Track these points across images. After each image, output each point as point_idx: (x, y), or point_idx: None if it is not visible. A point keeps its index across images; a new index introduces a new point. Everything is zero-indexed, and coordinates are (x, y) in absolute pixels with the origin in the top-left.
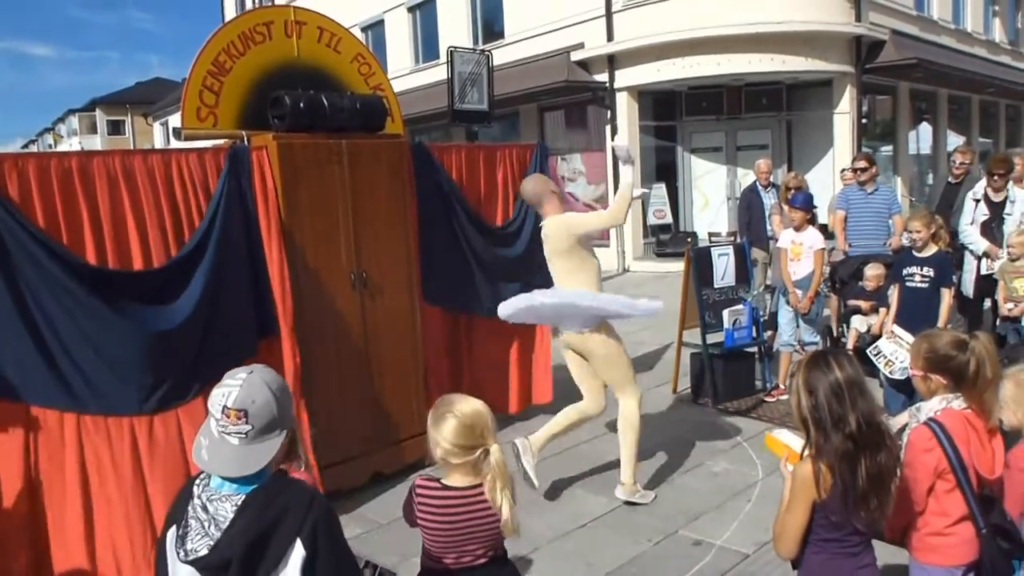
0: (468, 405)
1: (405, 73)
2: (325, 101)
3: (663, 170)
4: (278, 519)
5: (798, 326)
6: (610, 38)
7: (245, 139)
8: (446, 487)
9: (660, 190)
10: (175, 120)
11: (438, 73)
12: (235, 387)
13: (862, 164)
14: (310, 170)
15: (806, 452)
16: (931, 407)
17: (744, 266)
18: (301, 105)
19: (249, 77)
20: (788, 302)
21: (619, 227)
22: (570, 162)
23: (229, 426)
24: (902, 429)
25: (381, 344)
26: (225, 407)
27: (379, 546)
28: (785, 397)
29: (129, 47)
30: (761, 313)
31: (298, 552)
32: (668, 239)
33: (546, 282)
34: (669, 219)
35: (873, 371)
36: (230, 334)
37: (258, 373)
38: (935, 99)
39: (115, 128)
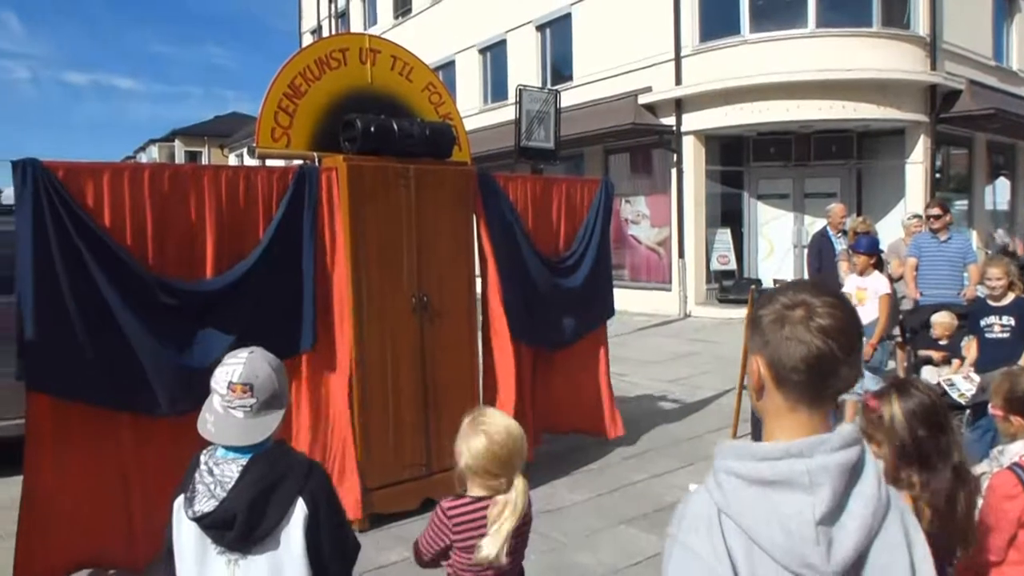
0: (504, 432)
1: (474, 113)
2: (395, 126)
3: (728, 216)
4: (281, 478)
5: (863, 375)
6: (678, 82)
7: (316, 160)
8: (476, 499)
9: (724, 235)
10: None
11: (506, 113)
12: (239, 364)
13: (936, 211)
14: (377, 192)
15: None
16: (1016, 450)
17: None
18: (372, 129)
19: (323, 101)
20: None
21: (682, 271)
22: (634, 204)
23: (235, 400)
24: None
25: (439, 369)
26: (231, 382)
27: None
28: None
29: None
30: None
31: (300, 510)
32: (731, 285)
33: (596, 316)
34: (733, 265)
35: None
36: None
37: (258, 352)
38: (1014, 152)
39: (192, 158)
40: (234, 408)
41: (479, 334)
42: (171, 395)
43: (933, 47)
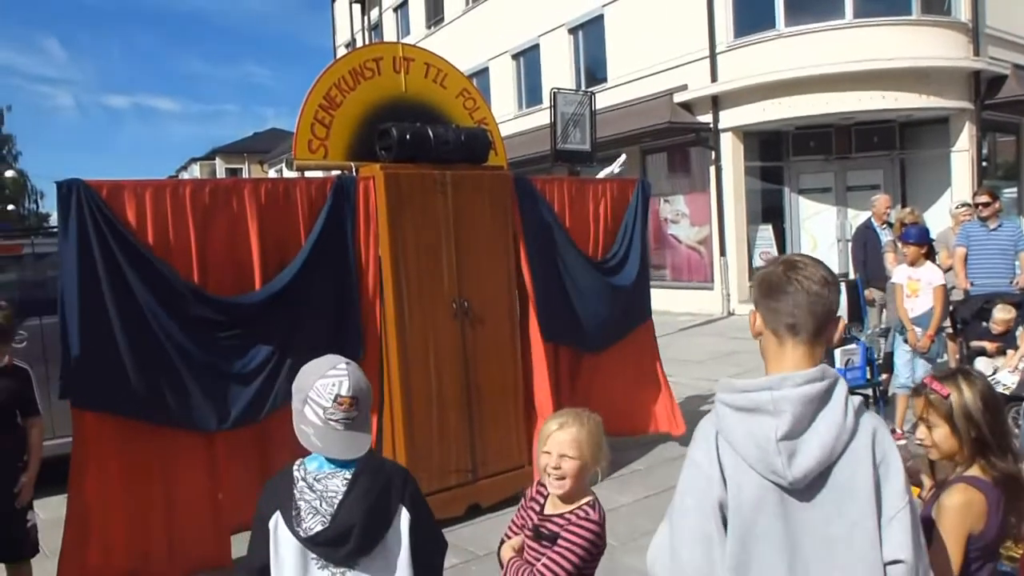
0: (585, 422)
1: (508, 118)
2: (431, 133)
3: (769, 212)
4: (386, 487)
5: (915, 368)
6: (714, 79)
7: (354, 170)
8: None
9: (766, 232)
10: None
11: (541, 118)
12: (344, 376)
13: (984, 199)
14: (415, 199)
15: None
16: None
17: (857, 304)
18: (407, 137)
19: (358, 111)
20: (906, 341)
21: (724, 269)
22: (673, 204)
23: (338, 413)
24: None
25: (481, 375)
26: (339, 395)
27: None
28: (902, 442)
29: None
30: (876, 355)
31: (404, 516)
32: None
33: (642, 313)
34: None
35: None
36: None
37: (352, 364)
38: None
39: (232, 175)
40: (335, 421)
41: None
42: (218, 411)
43: (975, 32)
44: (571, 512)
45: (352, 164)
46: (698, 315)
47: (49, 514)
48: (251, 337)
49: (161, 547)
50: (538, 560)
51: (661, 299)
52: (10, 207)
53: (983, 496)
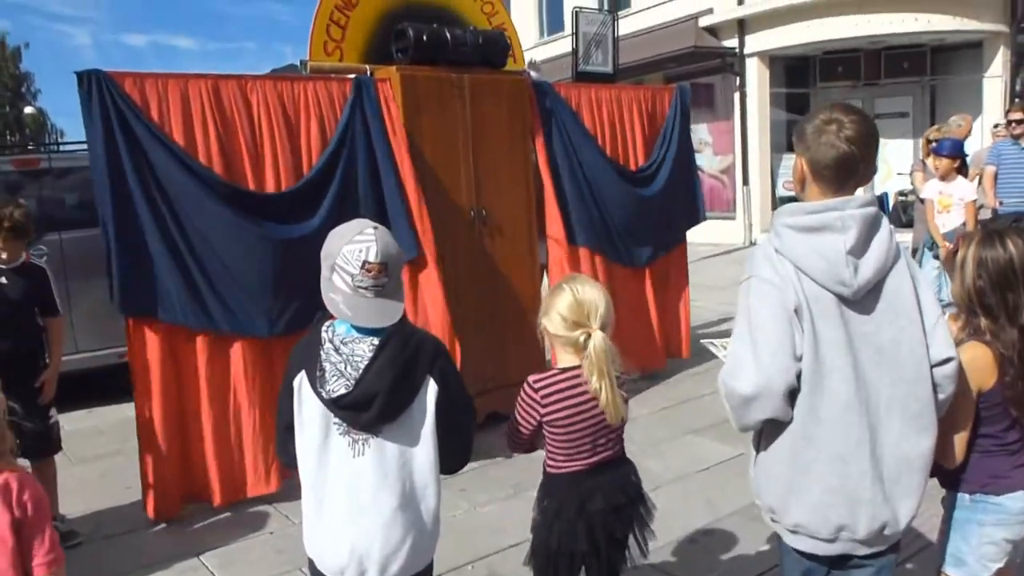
0: (589, 286)
1: (531, 47)
2: (448, 34)
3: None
4: (414, 356)
5: (941, 285)
6: (740, 1)
7: (369, 72)
8: (563, 369)
9: (791, 161)
10: None
11: (563, 46)
12: (371, 241)
13: (1018, 115)
14: (432, 103)
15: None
16: None
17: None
18: (424, 38)
19: (375, 13)
20: (936, 256)
21: (746, 198)
22: (696, 132)
23: (367, 280)
24: None
25: (500, 285)
26: (366, 261)
27: (494, 480)
28: None
29: (266, 38)
30: None
31: (432, 387)
32: None
33: (677, 229)
34: None
35: None
36: None
37: (381, 228)
38: None
39: None
40: (365, 288)
41: (540, 247)
42: (269, 316)
43: None
44: None
45: (367, 67)
46: (719, 245)
47: (72, 426)
48: (295, 232)
49: (226, 458)
50: None
51: None
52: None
53: (990, 352)
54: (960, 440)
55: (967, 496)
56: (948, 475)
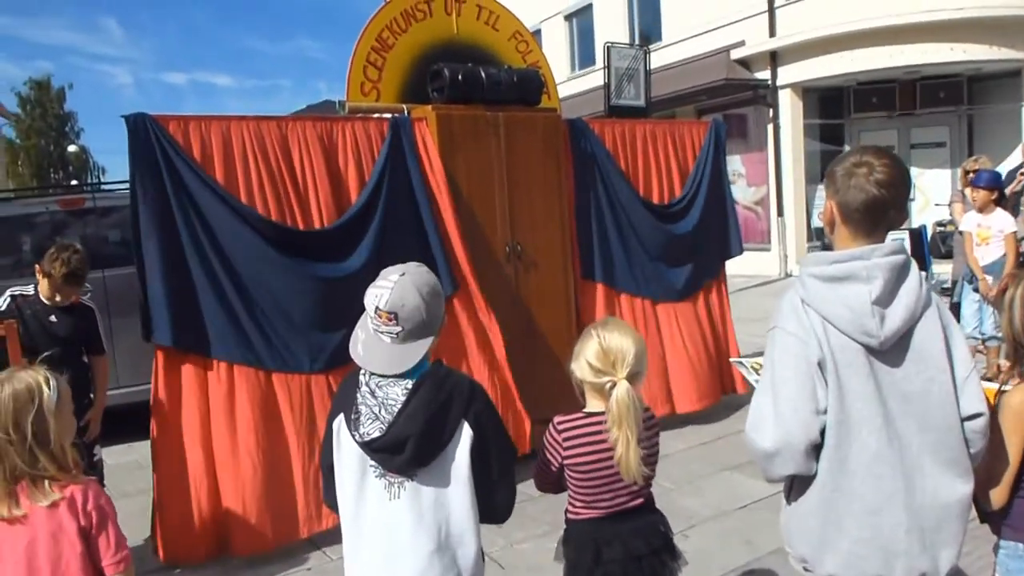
0: (618, 332)
1: (562, 80)
2: (483, 74)
3: None
4: (448, 400)
5: (983, 318)
6: (772, 33)
7: (406, 112)
8: (589, 414)
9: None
10: None
11: (595, 79)
12: (387, 289)
13: None
14: (467, 141)
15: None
16: None
17: (921, 252)
18: (460, 77)
19: (410, 53)
20: (975, 290)
21: (781, 229)
22: (729, 164)
23: (381, 326)
24: None
25: (533, 319)
26: (377, 308)
27: (531, 517)
28: None
29: (300, 74)
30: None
31: (467, 433)
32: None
33: (712, 263)
34: None
35: None
36: None
37: (410, 276)
38: None
39: None
40: (382, 333)
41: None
42: (311, 351)
43: None
44: None
45: (404, 107)
46: (755, 276)
47: (113, 460)
48: (335, 272)
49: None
50: None
51: None
52: (73, 182)
53: None
54: (1004, 484)
55: (1021, 545)
56: (996, 521)
